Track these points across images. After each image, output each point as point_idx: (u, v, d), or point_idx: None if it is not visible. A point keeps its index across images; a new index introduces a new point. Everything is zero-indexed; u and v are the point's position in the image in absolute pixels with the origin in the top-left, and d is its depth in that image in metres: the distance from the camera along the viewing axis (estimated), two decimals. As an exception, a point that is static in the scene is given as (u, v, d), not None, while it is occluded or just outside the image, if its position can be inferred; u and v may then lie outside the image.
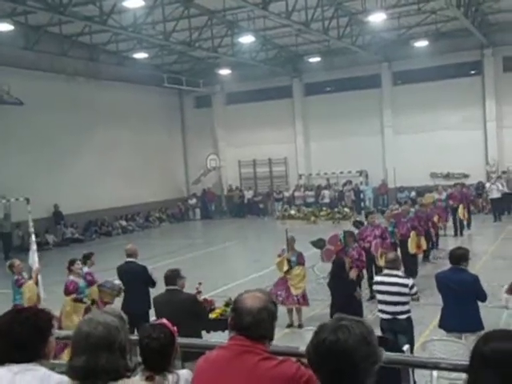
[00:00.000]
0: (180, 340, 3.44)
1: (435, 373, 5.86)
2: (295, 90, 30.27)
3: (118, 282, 8.77)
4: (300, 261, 10.21)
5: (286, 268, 10.09)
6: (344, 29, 22.37)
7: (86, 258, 9.13)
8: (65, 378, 2.48)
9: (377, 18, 20.54)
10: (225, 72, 28.99)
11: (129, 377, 2.50)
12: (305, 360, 2.56)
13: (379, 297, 7.32)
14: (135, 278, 8.62)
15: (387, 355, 3.24)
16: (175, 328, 3.30)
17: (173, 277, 6.90)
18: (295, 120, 30.28)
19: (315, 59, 27.59)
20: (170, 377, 3.14)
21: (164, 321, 3.39)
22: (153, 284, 8.68)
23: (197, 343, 3.99)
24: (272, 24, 22.01)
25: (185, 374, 3.17)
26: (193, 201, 31.31)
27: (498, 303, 6.92)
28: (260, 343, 2.56)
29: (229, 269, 16.32)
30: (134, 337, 3.27)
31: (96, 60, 25.05)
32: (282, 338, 8.62)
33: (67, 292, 8.45)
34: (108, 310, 2.72)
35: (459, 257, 6.91)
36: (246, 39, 22.86)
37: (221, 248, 20.39)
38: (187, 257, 17.80)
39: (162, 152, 30.14)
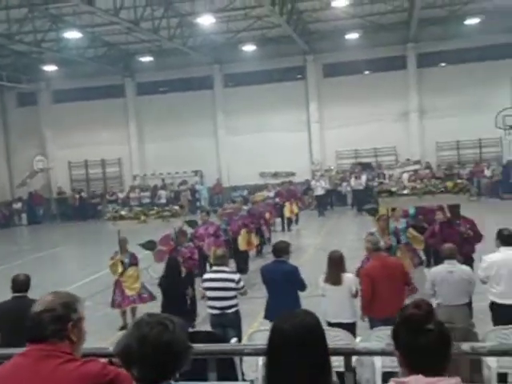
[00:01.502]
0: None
1: (260, 361, 6.16)
2: (127, 89, 29.72)
3: None
4: (133, 261, 10.09)
5: (120, 270, 9.90)
6: (175, 29, 22.45)
7: None
8: None
9: (206, 21, 20.94)
10: (51, 68, 27.43)
11: None
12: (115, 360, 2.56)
13: (208, 293, 7.47)
14: None
15: (200, 346, 3.35)
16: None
17: (27, 282, 6.08)
18: (129, 120, 29.73)
19: (147, 58, 27.33)
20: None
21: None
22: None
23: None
24: (100, 20, 21.34)
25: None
26: (18, 205, 29.18)
27: (318, 292, 7.40)
28: (62, 346, 2.49)
29: (59, 275, 15.50)
30: None
31: None
32: (115, 340, 8.43)
33: None
34: None
35: (280, 250, 7.32)
36: (72, 35, 21.86)
37: (51, 253, 19.31)
38: (13, 264, 16.47)
39: (-20, 153, 27.65)
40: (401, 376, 2.21)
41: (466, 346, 2.58)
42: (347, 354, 2.67)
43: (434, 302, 7.06)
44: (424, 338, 2.12)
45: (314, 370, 2.24)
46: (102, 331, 8.77)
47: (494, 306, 6.61)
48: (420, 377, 2.11)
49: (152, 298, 10.02)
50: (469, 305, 7.21)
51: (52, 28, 21.91)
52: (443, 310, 6.70)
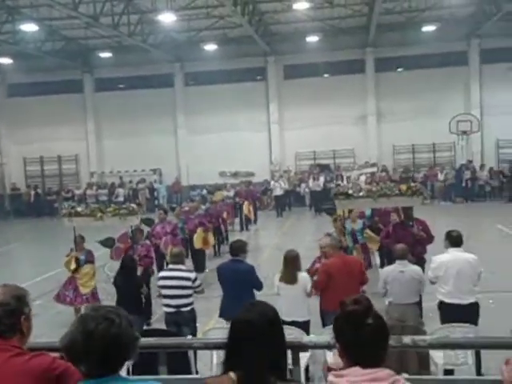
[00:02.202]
0: None
1: (215, 359, 6.20)
2: (86, 85, 29.26)
3: None
4: (89, 259, 10.02)
5: (73, 266, 9.80)
6: (135, 26, 22.22)
7: None
8: None
9: (167, 18, 20.79)
10: (6, 61, 26.67)
11: None
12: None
13: (164, 291, 7.46)
14: None
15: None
16: None
17: None
18: (86, 116, 29.28)
19: (107, 54, 26.96)
20: None
21: None
22: None
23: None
24: (58, 14, 20.92)
25: None
26: (-31, 201, 28.33)
27: (274, 291, 7.46)
28: (12, 340, 2.49)
29: (11, 273, 15.12)
30: None
31: None
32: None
33: None
34: None
35: (237, 248, 7.37)
36: (29, 27, 21.33)
37: (3, 251, 18.81)
38: (-39, 263, 16.05)
39: None
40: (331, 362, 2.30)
41: (407, 339, 2.71)
42: (294, 347, 2.77)
43: (386, 301, 7.26)
44: (363, 331, 2.22)
45: (275, 359, 2.32)
46: (54, 329, 8.63)
47: (442, 305, 6.83)
48: (357, 368, 2.21)
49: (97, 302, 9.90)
50: (419, 304, 7.43)
51: (8, 20, 21.35)
52: (394, 308, 6.89)
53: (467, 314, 6.43)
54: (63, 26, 23.64)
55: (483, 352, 5.72)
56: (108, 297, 10.18)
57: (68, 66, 27.70)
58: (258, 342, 2.29)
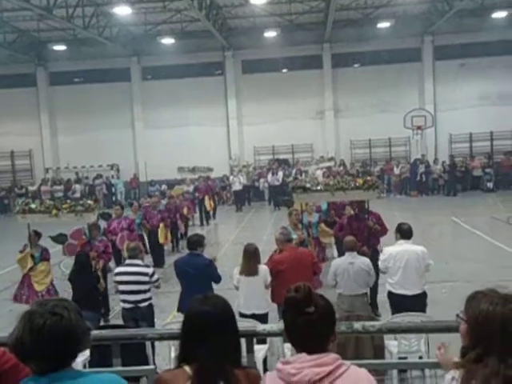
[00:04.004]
0: None
1: (173, 353, 6.19)
2: (39, 78, 28.55)
3: None
4: (45, 256, 9.80)
5: (31, 264, 9.58)
6: (90, 18, 21.78)
7: None
8: None
9: (122, 11, 20.47)
10: (-45, 54, 25.76)
11: None
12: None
13: (121, 287, 7.38)
14: None
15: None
16: None
17: None
18: (40, 110, 28.57)
19: (61, 47, 26.33)
20: None
21: None
22: None
23: None
24: (10, 6, 20.31)
25: None
26: None
27: (232, 285, 7.50)
28: None
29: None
30: None
31: None
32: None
33: None
34: None
35: (194, 242, 7.35)
36: (-21, 19, 20.70)
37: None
38: None
39: None
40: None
41: (357, 325, 2.79)
42: (248, 335, 2.81)
43: (336, 292, 7.38)
44: (302, 319, 2.25)
45: (230, 347, 2.38)
46: (9, 327, 8.44)
47: (390, 295, 7.02)
48: (303, 355, 2.25)
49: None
50: (374, 294, 7.59)
51: (-44, 11, 20.63)
52: (343, 299, 7.05)
53: (413, 304, 6.57)
54: (15, 17, 22.93)
55: (435, 339, 5.89)
56: (64, 294, 10.03)
57: (20, 59, 26.95)
58: (213, 333, 2.31)
